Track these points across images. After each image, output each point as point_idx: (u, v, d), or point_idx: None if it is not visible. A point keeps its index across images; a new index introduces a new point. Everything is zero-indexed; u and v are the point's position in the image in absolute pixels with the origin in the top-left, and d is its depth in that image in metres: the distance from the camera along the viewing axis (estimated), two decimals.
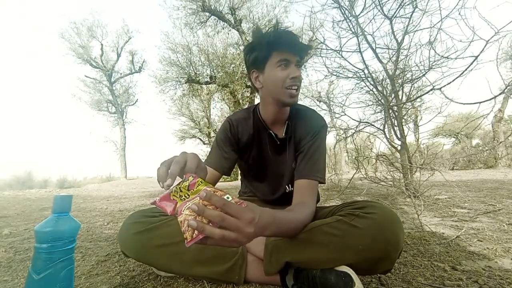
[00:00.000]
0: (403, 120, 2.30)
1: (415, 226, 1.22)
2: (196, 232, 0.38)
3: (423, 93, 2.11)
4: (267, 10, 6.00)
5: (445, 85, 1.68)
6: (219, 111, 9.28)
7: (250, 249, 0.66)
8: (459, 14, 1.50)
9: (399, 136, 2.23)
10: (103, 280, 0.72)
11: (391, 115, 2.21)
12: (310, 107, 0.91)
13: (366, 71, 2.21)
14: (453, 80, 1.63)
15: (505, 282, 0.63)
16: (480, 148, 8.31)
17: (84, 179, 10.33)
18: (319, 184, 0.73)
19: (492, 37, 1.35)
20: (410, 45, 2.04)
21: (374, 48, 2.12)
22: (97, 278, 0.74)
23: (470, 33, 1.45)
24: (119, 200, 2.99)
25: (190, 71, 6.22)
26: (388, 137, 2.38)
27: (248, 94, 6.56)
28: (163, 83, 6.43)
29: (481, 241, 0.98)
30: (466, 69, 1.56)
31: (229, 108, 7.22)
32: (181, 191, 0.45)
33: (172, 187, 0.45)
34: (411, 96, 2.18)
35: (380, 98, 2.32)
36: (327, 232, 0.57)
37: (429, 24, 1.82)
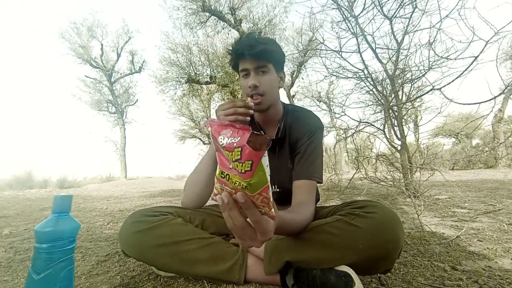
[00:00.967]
0: (403, 120, 2.30)
1: (415, 226, 1.22)
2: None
3: (423, 93, 2.11)
4: (267, 10, 6.01)
5: (445, 85, 1.68)
6: None
7: (250, 249, 0.66)
8: (459, 14, 1.50)
9: (399, 136, 2.23)
10: (103, 280, 0.72)
11: (391, 115, 2.22)
12: (310, 107, 0.92)
13: (366, 71, 2.21)
14: (453, 80, 1.63)
15: (505, 282, 0.63)
16: (480, 148, 8.32)
17: (84, 179, 10.32)
18: (317, 184, 0.74)
19: (492, 37, 1.35)
20: (410, 45, 2.04)
21: (374, 48, 2.12)
22: (97, 278, 0.74)
23: (470, 33, 1.45)
24: (119, 200, 2.99)
25: (190, 71, 6.22)
26: (388, 137, 2.38)
27: None
28: (163, 83, 6.44)
29: (481, 241, 0.98)
30: (466, 69, 1.56)
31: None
32: (232, 157, 0.35)
33: (228, 129, 0.37)
34: (411, 96, 2.18)
35: (380, 98, 2.32)
36: (327, 231, 0.57)
37: (428, 24, 1.82)
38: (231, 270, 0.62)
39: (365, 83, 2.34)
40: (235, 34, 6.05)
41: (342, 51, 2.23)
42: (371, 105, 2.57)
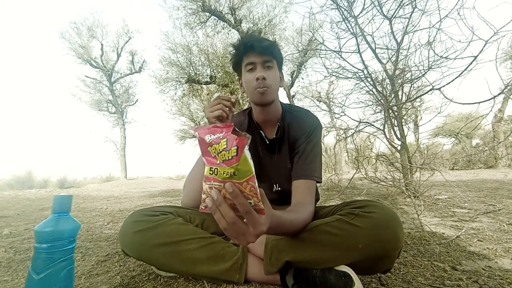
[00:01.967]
0: (403, 120, 2.30)
1: (415, 226, 1.22)
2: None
3: (422, 93, 2.11)
4: (267, 10, 6.01)
5: (444, 85, 1.68)
6: None
7: (250, 249, 0.66)
8: (458, 14, 1.50)
9: (399, 136, 2.23)
10: (103, 280, 0.72)
11: (391, 115, 2.22)
12: (310, 107, 0.92)
13: (365, 72, 2.21)
14: (452, 80, 1.63)
15: (505, 282, 0.63)
16: (480, 148, 8.31)
17: (84, 179, 10.33)
18: (317, 184, 0.74)
19: (491, 37, 1.35)
20: (409, 45, 2.04)
21: (374, 48, 2.12)
22: (97, 278, 0.74)
23: (469, 33, 1.45)
24: (119, 200, 2.99)
25: (190, 71, 6.23)
26: (388, 137, 2.38)
27: None
28: (163, 83, 6.44)
29: (481, 241, 0.98)
30: (465, 69, 1.56)
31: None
32: (217, 153, 0.38)
33: (210, 127, 0.40)
34: (410, 96, 2.18)
35: (380, 98, 2.32)
36: (327, 231, 0.57)
37: (428, 24, 1.82)
38: (231, 269, 0.62)
39: (365, 83, 2.34)
40: (235, 34, 6.05)
41: (341, 51, 2.24)
42: (371, 105, 2.57)
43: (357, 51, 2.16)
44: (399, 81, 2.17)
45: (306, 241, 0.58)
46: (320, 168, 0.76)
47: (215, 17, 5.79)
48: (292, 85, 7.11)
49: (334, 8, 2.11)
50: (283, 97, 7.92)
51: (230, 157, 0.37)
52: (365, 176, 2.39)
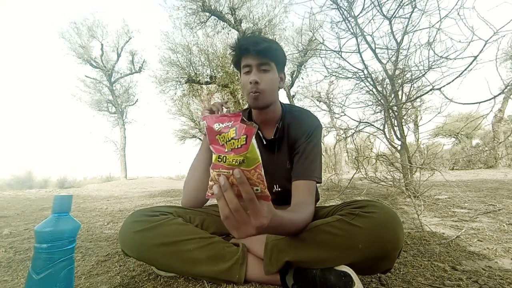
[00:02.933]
0: (403, 120, 2.30)
1: (415, 226, 1.22)
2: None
3: (423, 93, 2.11)
4: (267, 10, 6.01)
5: (444, 85, 1.68)
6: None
7: (250, 249, 0.66)
8: (458, 14, 1.50)
9: (399, 136, 2.23)
10: (103, 280, 0.72)
11: (391, 115, 2.22)
12: (310, 107, 0.92)
13: (365, 71, 2.21)
14: (452, 80, 1.64)
15: (505, 282, 0.63)
16: (480, 148, 8.32)
17: (84, 179, 10.33)
18: (317, 184, 0.74)
19: (491, 37, 1.35)
20: (409, 45, 2.04)
21: (374, 48, 2.12)
22: (97, 278, 0.74)
23: (469, 33, 1.45)
24: (119, 200, 2.99)
25: (190, 71, 6.23)
26: (388, 137, 2.38)
27: None
28: (163, 83, 6.44)
29: (481, 241, 0.98)
30: (465, 69, 1.56)
31: (229, 109, 7.23)
32: (226, 142, 0.40)
33: (219, 116, 0.42)
34: (411, 96, 2.18)
35: (380, 98, 2.32)
36: (327, 231, 0.57)
37: (428, 24, 1.82)
38: (231, 269, 0.62)
39: (365, 83, 2.34)
40: (235, 34, 6.05)
41: (341, 51, 2.24)
42: (371, 105, 2.58)
43: (357, 51, 2.16)
44: (399, 81, 2.17)
45: (306, 241, 0.58)
46: (320, 169, 0.76)
47: (215, 17, 5.79)
48: (292, 85, 7.11)
49: (334, 8, 2.11)
50: (283, 97, 7.91)
51: (239, 146, 0.38)
52: (365, 176, 2.39)
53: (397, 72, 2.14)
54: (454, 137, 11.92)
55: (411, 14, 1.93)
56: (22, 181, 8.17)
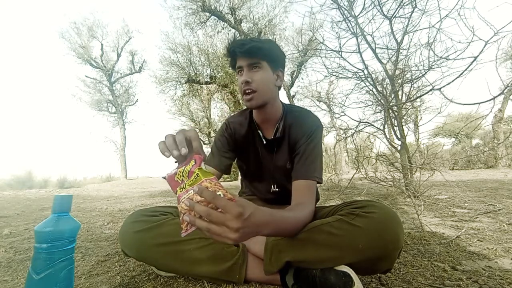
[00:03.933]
0: (403, 120, 2.30)
1: (415, 226, 1.22)
2: (189, 224, 0.43)
3: (423, 93, 2.11)
4: (267, 10, 6.01)
5: (444, 85, 1.68)
6: (219, 111, 9.29)
7: (250, 249, 0.66)
8: (458, 14, 1.50)
9: (399, 136, 2.23)
10: (103, 280, 0.72)
11: (391, 115, 2.22)
12: (310, 107, 0.92)
13: (365, 71, 2.21)
14: (452, 81, 1.64)
15: (505, 282, 0.63)
16: (480, 148, 8.32)
17: (84, 179, 10.33)
18: (317, 184, 0.74)
19: (492, 37, 1.35)
20: (409, 45, 2.04)
21: (374, 48, 2.12)
22: (97, 278, 0.74)
23: (470, 33, 1.45)
24: (119, 200, 2.99)
25: (190, 71, 6.23)
26: (388, 137, 2.39)
27: None
28: (163, 83, 6.44)
29: (481, 241, 0.98)
30: (465, 70, 1.56)
31: (229, 108, 7.23)
32: (182, 175, 0.46)
33: (176, 168, 0.47)
34: (411, 96, 2.18)
35: (380, 98, 2.32)
36: (327, 231, 0.57)
37: (428, 24, 1.82)
38: (231, 269, 0.62)
39: (365, 83, 2.34)
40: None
41: (342, 51, 2.24)
42: (371, 105, 2.58)
43: (357, 51, 2.16)
44: (399, 81, 2.17)
45: (306, 241, 0.58)
46: (321, 169, 0.75)
47: (215, 17, 5.79)
48: (292, 85, 7.11)
49: (334, 8, 2.11)
50: (283, 97, 7.90)
51: (190, 168, 0.45)
52: (365, 176, 2.39)
53: (397, 72, 2.14)
54: (454, 137, 11.92)
55: (411, 14, 1.93)
56: (22, 181, 8.18)
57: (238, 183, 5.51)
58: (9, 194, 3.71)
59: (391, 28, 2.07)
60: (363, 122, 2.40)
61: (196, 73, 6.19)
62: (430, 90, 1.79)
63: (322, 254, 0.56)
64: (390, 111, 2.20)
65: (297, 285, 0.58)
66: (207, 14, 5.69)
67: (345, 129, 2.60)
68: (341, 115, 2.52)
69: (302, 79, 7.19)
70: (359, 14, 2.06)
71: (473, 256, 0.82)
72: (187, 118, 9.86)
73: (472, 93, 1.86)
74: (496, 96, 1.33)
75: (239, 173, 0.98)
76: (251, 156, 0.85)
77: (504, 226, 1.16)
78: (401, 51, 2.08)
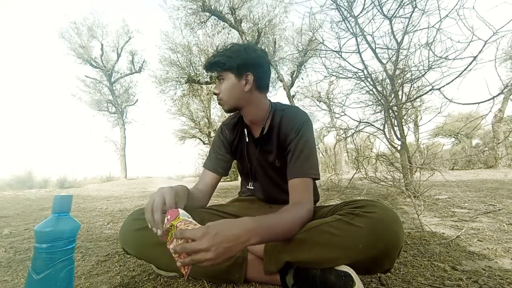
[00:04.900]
0: (403, 120, 2.30)
1: (415, 226, 1.22)
2: (185, 267, 0.48)
3: (422, 93, 2.11)
4: (267, 10, 6.00)
5: (444, 85, 1.68)
6: (219, 111, 9.29)
7: (250, 249, 0.66)
8: (458, 14, 1.50)
9: (399, 136, 2.23)
10: (103, 280, 0.72)
11: (391, 115, 2.22)
12: (310, 107, 0.93)
13: (365, 71, 2.21)
14: (452, 80, 1.64)
15: (505, 282, 0.63)
16: (480, 148, 8.32)
17: (84, 179, 10.33)
18: (316, 182, 0.73)
19: (491, 37, 1.35)
20: (409, 45, 2.04)
21: (374, 48, 2.12)
22: (97, 278, 0.74)
23: (469, 33, 1.46)
24: (119, 200, 2.99)
25: (190, 71, 6.23)
26: (388, 137, 2.39)
27: None
28: (163, 83, 6.44)
29: (481, 241, 0.98)
30: (465, 69, 1.56)
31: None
32: (166, 231, 0.53)
33: (163, 229, 0.54)
34: (411, 96, 2.18)
35: (380, 98, 2.32)
36: (327, 231, 0.57)
37: (428, 24, 1.82)
38: (231, 269, 0.62)
39: (365, 83, 2.34)
40: (235, 34, 6.05)
41: (341, 51, 2.24)
42: (371, 105, 2.58)
43: (357, 51, 2.16)
44: (399, 81, 2.17)
45: (306, 241, 0.58)
46: (317, 165, 0.74)
47: (215, 17, 5.79)
48: (292, 85, 7.11)
49: (334, 8, 2.11)
50: (283, 97, 7.91)
51: (166, 225, 0.52)
52: (365, 176, 2.39)
53: (397, 72, 2.14)
54: (454, 137, 11.92)
55: (411, 14, 1.93)
56: (22, 181, 8.18)
57: (238, 183, 5.51)
58: (9, 194, 3.71)
59: (391, 28, 2.07)
60: (363, 122, 2.40)
61: (196, 73, 6.19)
62: (430, 90, 1.80)
63: (322, 254, 0.56)
64: (390, 111, 2.20)
65: (297, 285, 0.58)
66: (207, 14, 5.69)
67: (345, 129, 2.60)
68: (341, 115, 2.53)
69: (302, 79, 7.20)
70: (359, 14, 2.06)
71: (473, 256, 0.82)
72: (187, 118, 9.86)
73: (472, 93, 1.86)
74: (496, 96, 1.33)
75: (239, 174, 0.99)
76: (243, 156, 0.87)
77: (504, 226, 1.16)
78: (401, 51, 2.09)
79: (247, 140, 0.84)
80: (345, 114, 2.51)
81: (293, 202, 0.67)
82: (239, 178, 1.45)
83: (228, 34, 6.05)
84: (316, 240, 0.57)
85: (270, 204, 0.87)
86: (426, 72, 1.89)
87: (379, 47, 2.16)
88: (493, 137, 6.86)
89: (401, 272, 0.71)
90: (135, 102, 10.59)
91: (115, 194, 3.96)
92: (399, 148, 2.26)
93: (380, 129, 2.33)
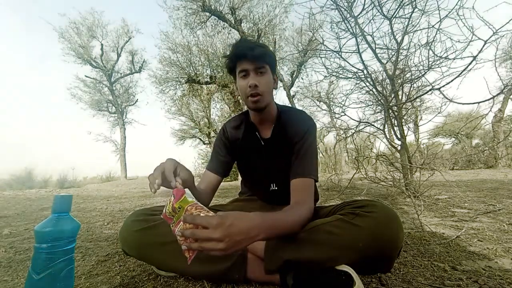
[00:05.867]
0: (403, 120, 2.30)
1: (415, 226, 1.22)
2: (189, 251, 0.48)
3: (422, 93, 2.11)
4: (267, 10, 6.00)
5: (444, 85, 1.69)
6: (219, 111, 9.28)
7: (250, 248, 0.66)
8: (458, 14, 1.50)
9: (399, 136, 2.23)
10: (103, 280, 0.72)
11: (391, 115, 2.22)
12: (310, 107, 0.93)
13: (365, 72, 2.21)
14: (452, 80, 1.64)
15: (505, 282, 0.63)
16: (480, 148, 8.32)
17: (84, 179, 10.33)
18: (315, 183, 0.74)
19: (491, 37, 1.35)
20: (409, 45, 2.04)
21: (374, 48, 2.12)
22: (97, 278, 0.74)
23: (469, 33, 1.46)
24: (119, 200, 2.99)
25: (190, 71, 6.23)
26: (388, 137, 2.39)
27: None
28: (163, 83, 6.44)
29: (481, 241, 0.98)
30: (465, 69, 1.56)
31: (229, 108, 7.22)
32: (171, 212, 0.52)
33: (165, 206, 0.54)
34: (410, 96, 2.18)
35: (380, 98, 2.32)
36: (327, 231, 0.57)
37: (428, 24, 1.82)
38: (231, 269, 0.62)
39: (365, 83, 2.34)
40: (235, 34, 6.04)
41: (341, 52, 2.24)
42: (371, 105, 2.58)
43: (357, 51, 2.16)
44: (399, 81, 2.17)
45: (306, 240, 0.58)
46: (317, 168, 0.77)
47: (215, 17, 5.79)
48: (292, 85, 7.10)
49: (334, 9, 2.11)
50: (283, 97, 7.90)
51: (172, 204, 0.50)
52: (365, 176, 2.39)
53: (397, 72, 2.14)
54: (454, 137, 11.92)
55: (411, 14, 1.93)
56: (22, 181, 8.18)
57: (238, 183, 5.51)
58: (9, 194, 3.71)
59: (391, 28, 2.07)
60: (363, 122, 2.40)
61: (196, 73, 6.19)
62: (430, 90, 1.80)
63: (322, 254, 0.56)
64: (390, 111, 2.20)
65: (297, 285, 0.58)
66: (207, 14, 5.69)
67: (345, 129, 2.60)
68: (341, 115, 2.53)
69: (302, 79, 7.19)
70: (358, 15, 2.06)
71: (473, 256, 0.82)
72: (187, 118, 9.86)
73: (472, 92, 1.86)
74: (496, 96, 1.34)
75: (239, 174, 0.99)
76: (250, 157, 0.87)
77: (504, 226, 1.16)
78: (401, 51, 2.09)
79: (262, 142, 0.83)
80: (345, 114, 2.51)
81: (295, 201, 0.68)
82: (239, 178, 1.45)
83: (228, 34, 6.05)
84: (316, 239, 0.57)
85: (271, 204, 0.88)
86: (426, 72, 1.89)
87: (379, 47, 2.16)
88: (493, 137, 6.85)
89: (401, 272, 0.71)
90: (135, 102, 10.60)
91: (115, 194, 3.96)
92: (399, 148, 2.26)
93: (380, 129, 2.33)
